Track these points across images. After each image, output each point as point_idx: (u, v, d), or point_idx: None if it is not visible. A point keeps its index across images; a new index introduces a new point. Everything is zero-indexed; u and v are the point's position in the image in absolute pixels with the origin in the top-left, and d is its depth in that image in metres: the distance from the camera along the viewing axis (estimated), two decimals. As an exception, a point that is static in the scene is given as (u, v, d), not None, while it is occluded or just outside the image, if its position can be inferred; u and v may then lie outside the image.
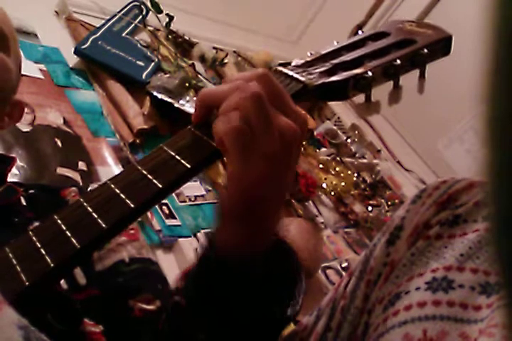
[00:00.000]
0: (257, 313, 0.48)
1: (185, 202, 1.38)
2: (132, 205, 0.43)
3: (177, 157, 0.46)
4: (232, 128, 0.43)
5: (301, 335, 0.52)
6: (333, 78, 0.53)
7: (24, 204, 0.67)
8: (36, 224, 0.64)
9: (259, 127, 0.43)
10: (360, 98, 0.56)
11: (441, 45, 0.58)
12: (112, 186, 0.45)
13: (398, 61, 0.55)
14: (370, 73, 0.53)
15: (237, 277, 0.47)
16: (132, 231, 0.68)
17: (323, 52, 0.58)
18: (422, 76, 0.57)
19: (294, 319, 0.51)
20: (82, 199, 0.45)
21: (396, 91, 0.57)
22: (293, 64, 0.56)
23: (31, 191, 0.69)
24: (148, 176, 0.45)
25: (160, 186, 0.44)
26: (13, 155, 1.00)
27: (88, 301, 0.60)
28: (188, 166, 0.45)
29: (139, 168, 0.46)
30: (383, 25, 0.62)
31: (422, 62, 0.57)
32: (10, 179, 0.70)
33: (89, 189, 1.13)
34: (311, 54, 0.57)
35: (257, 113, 0.43)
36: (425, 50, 0.56)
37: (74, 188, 0.71)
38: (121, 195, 0.44)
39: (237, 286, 0.47)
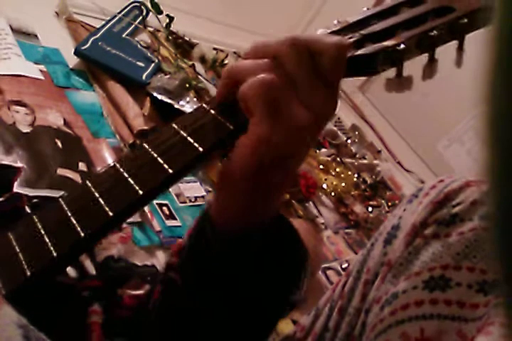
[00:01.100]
0: (256, 293, 0.47)
1: (185, 202, 1.38)
2: (140, 192, 0.42)
3: (189, 139, 0.44)
4: (264, 82, 0.40)
5: (299, 335, 0.52)
6: (362, 51, 0.48)
7: (29, 212, 0.68)
8: None
9: (303, 81, 0.41)
10: (389, 73, 0.51)
11: (483, 14, 0.54)
12: (121, 170, 0.44)
13: (435, 31, 0.49)
14: (402, 45, 0.48)
15: (236, 251, 0.46)
16: (124, 235, 0.69)
17: (351, 20, 0.53)
18: (460, 48, 0.52)
19: (297, 305, 0.50)
20: (89, 184, 0.44)
21: (431, 64, 0.51)
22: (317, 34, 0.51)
23: (35, 200, 0.71)
24: (159, 159, 0.44)
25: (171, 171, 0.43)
26: (20, 165, 1.00)
27: (92, 291, 0.60)
28: (201, 149, 0.44)
29: (150, 150, 0.45)
30: None
31: (462, 32, 0.50)
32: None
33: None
34: (338, 22, 0.52)
35: (300, 64, 0.40)
36: (465, 20, 0.49)
37: None
38: (130, 180, 0.43)
39: (236, 261, 0.46)
